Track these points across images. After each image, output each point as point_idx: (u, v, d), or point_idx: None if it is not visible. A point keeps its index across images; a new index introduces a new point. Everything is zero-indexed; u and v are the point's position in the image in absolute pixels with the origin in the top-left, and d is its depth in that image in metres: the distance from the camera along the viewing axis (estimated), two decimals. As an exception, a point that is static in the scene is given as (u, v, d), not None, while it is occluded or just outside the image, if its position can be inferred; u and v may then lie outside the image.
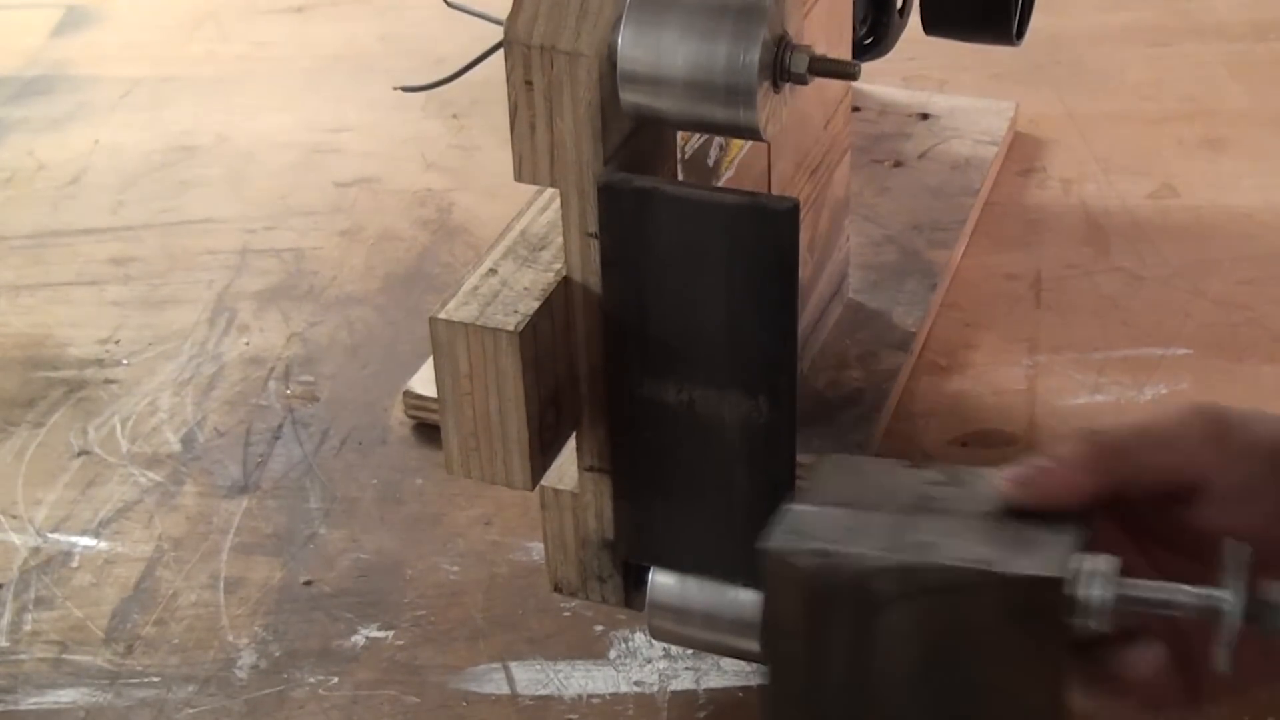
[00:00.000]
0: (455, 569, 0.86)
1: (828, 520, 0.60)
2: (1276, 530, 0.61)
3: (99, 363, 1.01)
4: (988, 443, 0.92)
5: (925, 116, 1.18)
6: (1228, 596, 0.55)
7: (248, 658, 0.81)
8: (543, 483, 0.75)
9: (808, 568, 0.58)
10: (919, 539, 0.58)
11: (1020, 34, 1.06)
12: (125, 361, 1.02)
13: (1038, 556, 0.57)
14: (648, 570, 0.75)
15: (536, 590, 0.84)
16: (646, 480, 0.73)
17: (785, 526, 0.61)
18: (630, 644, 0.81)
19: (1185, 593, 0.56)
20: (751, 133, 0.72)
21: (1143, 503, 0.61)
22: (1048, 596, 0.56)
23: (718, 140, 0.79)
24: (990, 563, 0.57)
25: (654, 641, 0.80)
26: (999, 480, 0.60)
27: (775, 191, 0.85)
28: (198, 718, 0.79)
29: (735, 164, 0.81)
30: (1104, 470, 0.59)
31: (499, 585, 0.85)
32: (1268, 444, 0.60)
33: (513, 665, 0.81)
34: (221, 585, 0.85)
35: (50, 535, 0.89)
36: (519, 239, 0.79)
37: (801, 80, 0.72)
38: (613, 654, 0.81)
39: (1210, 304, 1.02)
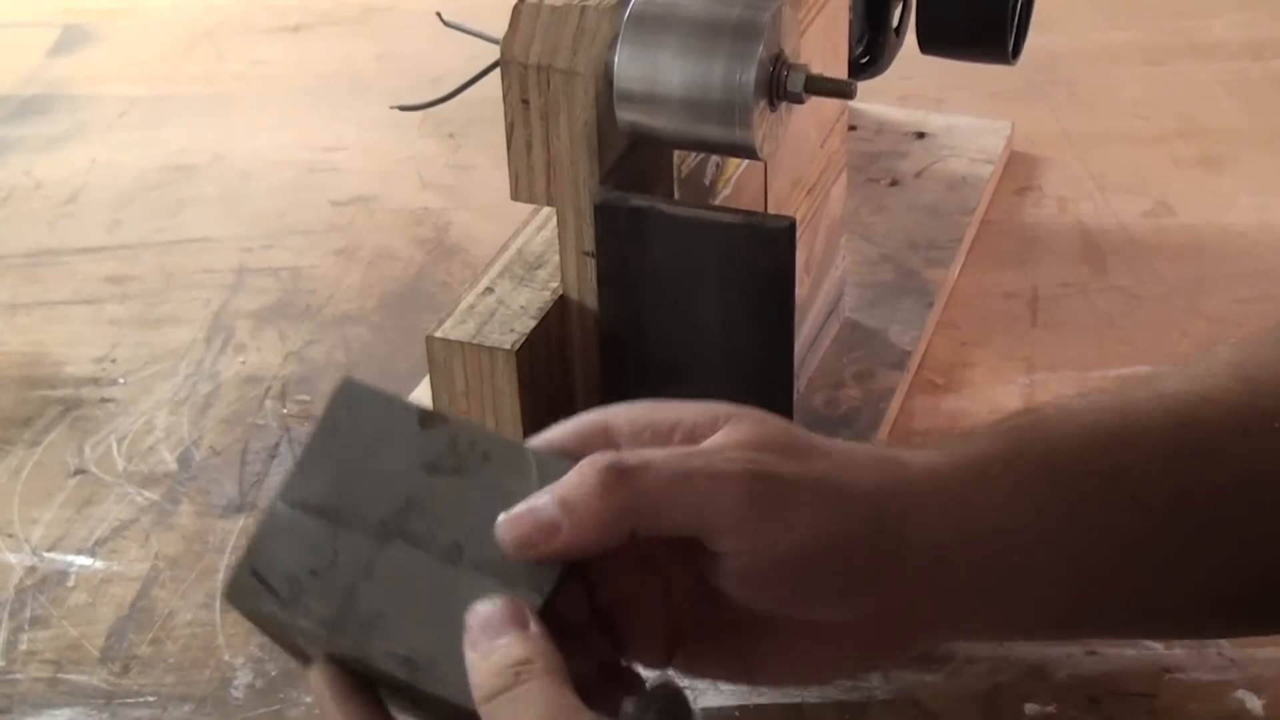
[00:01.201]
0: (452, 588, 0.86)
1: (295, 545, 0.58)
2: (780, 612, 0.60)
3: (95, 381, 1.01)
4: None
5: (921, 135, 1.18)
6: None
7: (244, 677, 0.81)
8: (539, 501, 0.75)
9: (268, 615, 0.58)
10: (369, 605, 0.57)
11: (1016, 53, 1.06)
12: (122, 380, 1.01)
13: (455, 682, 0.54)
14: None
15: (533, 609, 0.84)
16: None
17: (258, 547, 0.59)
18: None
19: None
20: (748, 151, 0.72)
21: (658, 545, 0.58)
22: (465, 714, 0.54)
23: (714, 159, 0.79)
24: (414, 666, 0.55)
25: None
26: (507, 511, 0.56)
27: (772, 210, 0.85)
28: (193, 737, 0.78)
29: (732, 182, 0.81)
30: (623, 517, 0.55)
31: (495, 604, 0.85)
32: (805, 531, 0.58)
33: (509, 684, 0.80)
34: (218, 604, 0.85)
35: (46, 554, 0.89)
36: (515, 258, 0.79)
37: (798, 99, 0.72)
38: (609, 673, 0.81)
39: (1207, 322, 1.02)
